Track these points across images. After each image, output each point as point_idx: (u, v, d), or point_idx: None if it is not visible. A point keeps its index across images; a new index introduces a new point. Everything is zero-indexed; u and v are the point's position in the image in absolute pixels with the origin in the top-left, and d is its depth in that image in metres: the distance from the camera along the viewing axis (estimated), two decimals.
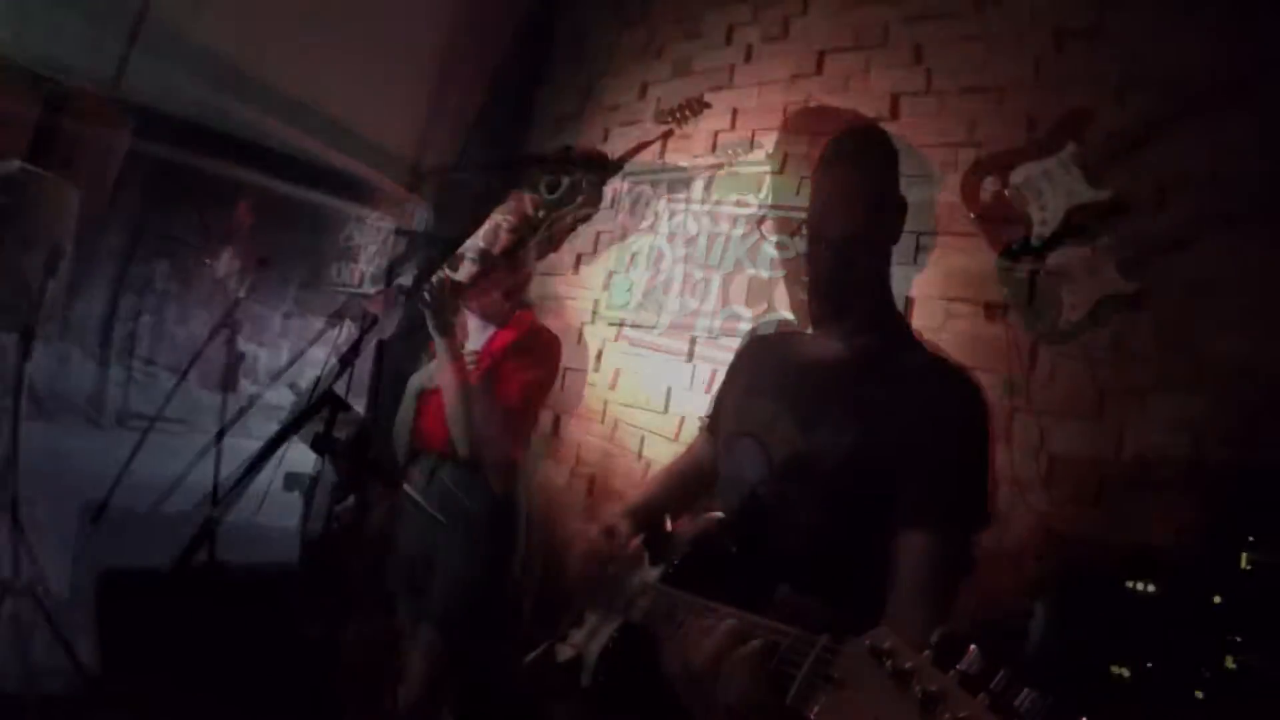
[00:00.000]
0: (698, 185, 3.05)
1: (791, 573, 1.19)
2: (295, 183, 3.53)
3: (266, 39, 3.19)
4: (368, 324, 1.72)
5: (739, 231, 2.86)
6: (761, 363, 1.45)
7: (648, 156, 3.24)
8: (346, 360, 1.19)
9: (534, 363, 2.20)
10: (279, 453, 1.29)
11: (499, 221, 2.26)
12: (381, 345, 2.09)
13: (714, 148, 3.05)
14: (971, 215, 2.24)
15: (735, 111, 3.00)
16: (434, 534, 2.12)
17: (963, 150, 2.30)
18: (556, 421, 3.32)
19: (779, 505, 1.25)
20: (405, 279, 2.04)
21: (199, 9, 2.95)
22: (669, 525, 1.43)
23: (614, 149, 3.32)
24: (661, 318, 3.05)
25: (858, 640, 0.74)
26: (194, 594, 2.23)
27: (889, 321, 1.33)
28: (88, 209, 2.37)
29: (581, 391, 3.24)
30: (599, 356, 3.26)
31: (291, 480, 1.20)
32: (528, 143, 3.87)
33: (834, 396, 1.24)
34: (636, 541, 1.36)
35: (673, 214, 3.11)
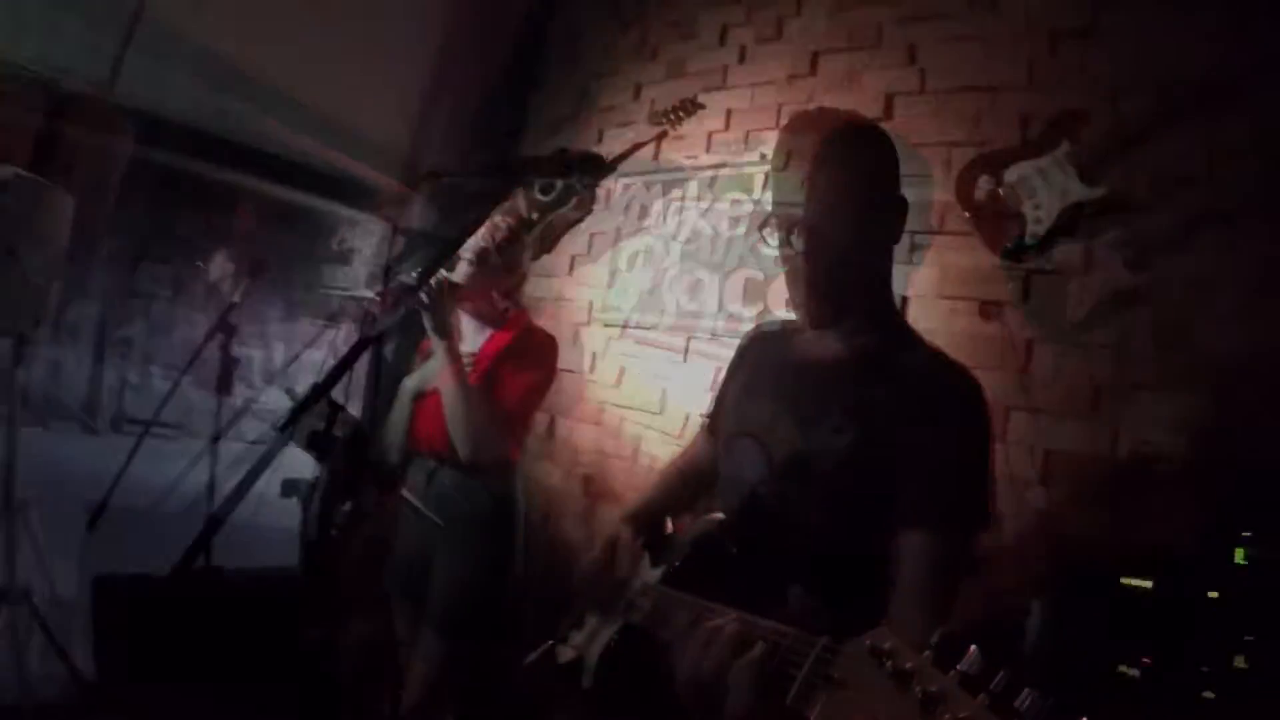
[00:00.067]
0: (693, 186, 3.05)
1: (792, 573, 1.19)
2: (290, 185, 3.52)
3: (261, 41, 3.18)
4: (369, 325, 1.71)
5: (735, 232, 2.86)
6: (762, 361, 1.45)
7: (643, 158, 3.25)
8: (348, 361, 1.18)
9: (532, 365, 2.20)
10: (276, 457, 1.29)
11: (495, 223, 2.26)
12: (379, 347, 2.09)
13: (709, 148, 3.05)
14: (966, 214, 2.25)
15: (729, 112, 3.01)
16: (433, 537, 2.11)
17: (957, 149, 2.30)
18: (552, 423, 3.32)
19: (779, 506, 1.24)
20: (407, 277, 2.03)
21: (196, 10, 2.94)
22: (669, 527, 1.43)
23: (608, 150, 3.29)
24: (657, 318, 3.05)
25: (858, 641, 0.74)
26: (191, 599, 2.22)
27: (889, 321, 1.32)
28: (83, 214, 2.35)
29: (577, 393, 3.24)
30: (595, 358, 3.26)
31: (289, 486, 1.20)
32: (522, 144, 3.87)
33: (834, 396, 1.24)
34: (640, 548, 1.36)
35: (668, 215, 3.11)
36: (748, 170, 2.87)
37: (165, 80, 2.89)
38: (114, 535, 2.51)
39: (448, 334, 2.07)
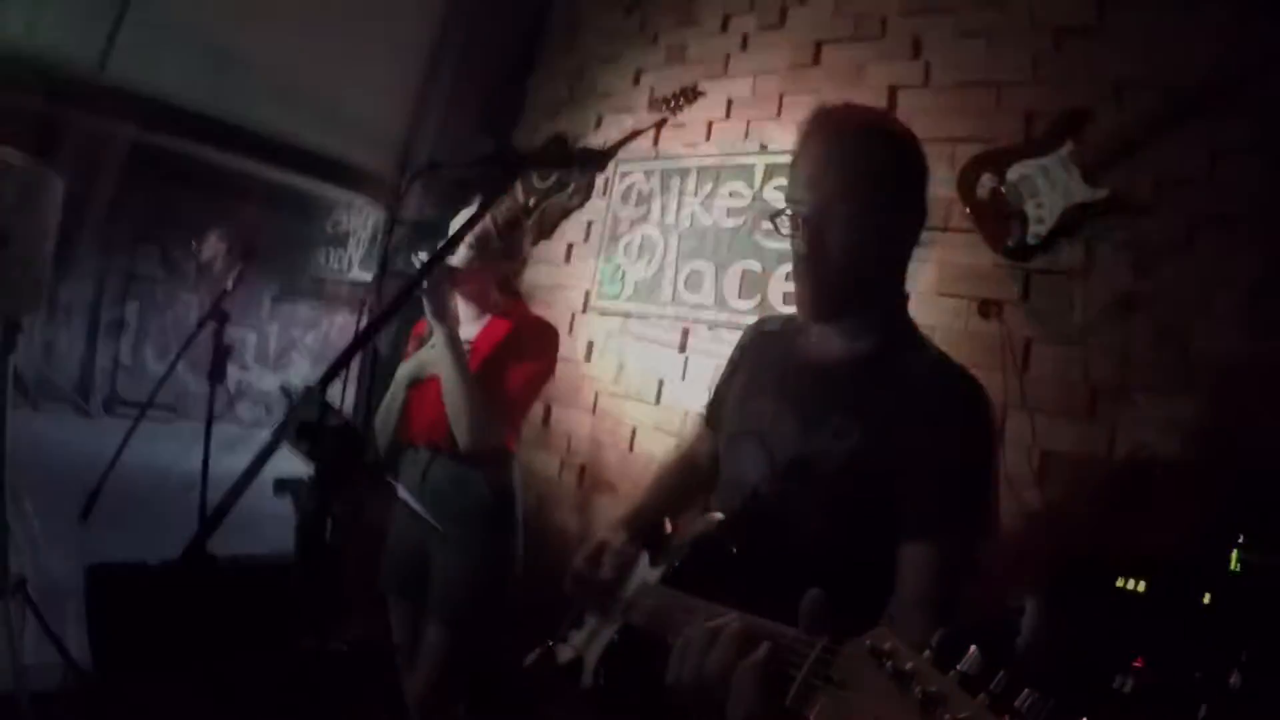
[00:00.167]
0: (692, 175, 3.02)
1: (793, 575, 1.19)
2: (284, 168, 3.48)
3: (255, 20, 3.13)
4: (369, 315, 1.69)
5: (734, 223, 2.84)
6: (764, 359, 1.43)
7: (642, 146, 3.22)
8: (344, 359, 1.17)
9: (533, 354, 2.18)
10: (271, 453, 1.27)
11: (494, 208, 2.23)
12: (374, 335, 2.06)
13: (709, 138, 3.03)
14: (968, 211, 2.24)
15: (730, 101, 2.98)
16: (430, 534, 2.10)
17: (960, 146, 2.28)
18: (548, 412, 3.32)
19: (781, 507, 1.24)
20: (403, 264, 2.00)
21: None
22: (669, 527, 1.43)
23: (606, 136, 3.29)
24: (654, 308, 3.04)
25: (858, 641, 0.74)
26: (186, 587, 2.21)
27: (895, 323, 1.30)
28: (75, 196, 2.32)
29: (572, 382, 3.23)
30: (592, 347, 3.25)
31: (281, 485, 1.18)
32: (519, 128, 3.83)
33: (837, 398, 1.23)
34: (631, 551, 1.35)
35: (666, 204, 3.09)
36: (748, 161, 2.84)
37: (158, 62, 2.84)
38: (107, 520, 2.50)
39: (448, 319, 2.04)
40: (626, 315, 3.14)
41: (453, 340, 2.03)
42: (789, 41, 2.85)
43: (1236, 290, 1.85)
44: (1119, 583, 1.69)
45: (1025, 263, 2.16)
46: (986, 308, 2.19)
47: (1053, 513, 2.00)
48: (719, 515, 1.32)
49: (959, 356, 1.24)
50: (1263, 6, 1.87)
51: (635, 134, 3.22)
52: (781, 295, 2.64)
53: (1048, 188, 2.12)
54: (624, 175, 3.26)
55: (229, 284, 2.45)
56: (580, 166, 1.43)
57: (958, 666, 0.65)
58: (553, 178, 3.38)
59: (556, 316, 3.17)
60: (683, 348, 2.92)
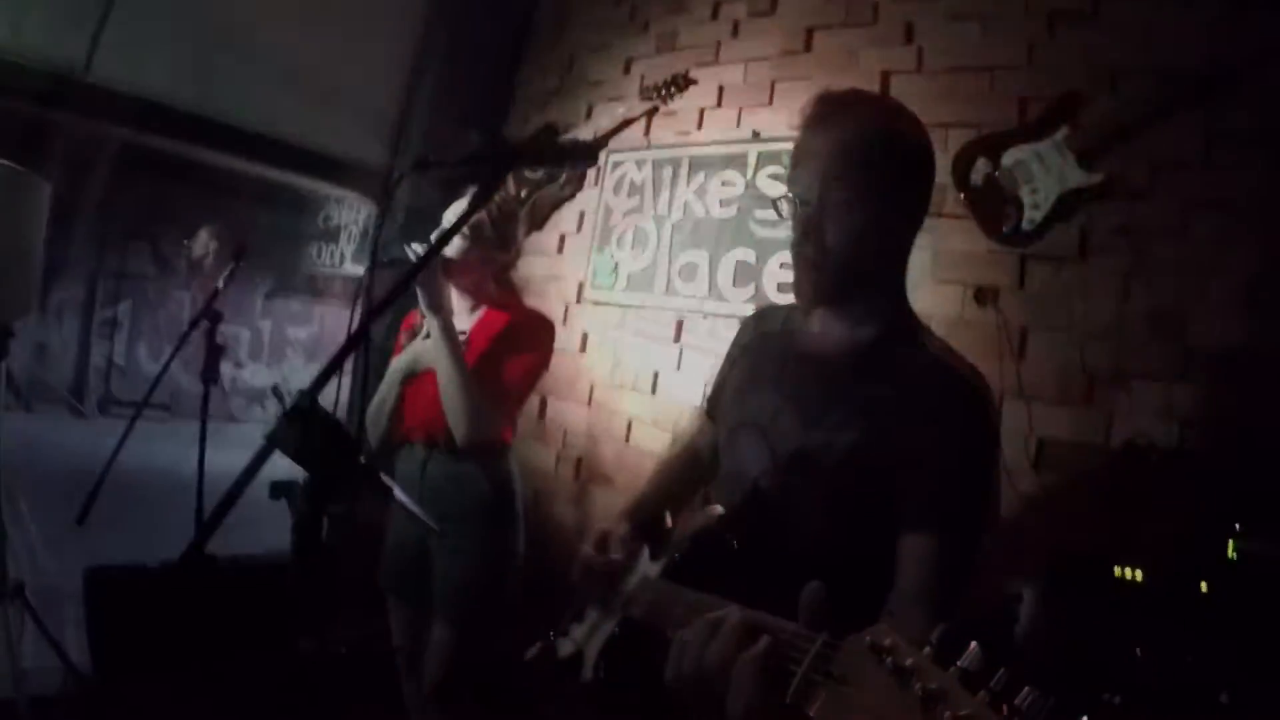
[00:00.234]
0: (684, 164, 3.00)
1: (793, 568, 1.19)
2: (273, 164, 3.46)
3: (241, 16, 3.10)
4: (360, 305, 1.66)
5: (727, 212, 2.83)
6: (764, 350, 1.42)
7: (633, 134, 3.20)
8: (338, 361, 1.16)
9: (529, 347, 2.16)
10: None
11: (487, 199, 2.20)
12: (368, 332, 2.04)
13: (700, 125, 3.01)
14: (962, 197, 2.23)
15: (721, 88, 2.95)
16: (431, 531, 2.09)
17: (954, 131, 2.26)
18: (543, 405, 3.31)
19: (781, 500, 1.23)
20: (400, 253, 1.98)
21: None
22: (669, 520, 1.42)
23: (597, 125, 3.27)
24: (649, 299, 3.02)
25: (858, 637, 0.73)
26: (184, 589, 2.21)
27: (897, 314, 1.28)
28: (65, 197, 2.30)
29: (568, 374, 3.22)
30: (585, 338, 3.24)
31: (278, 489, 1.18)
32: (510, 118, 3.81)
33: (838, 391, 1.22)
34: (635, 545, 1.35)
35: (659, 194, 3.07)
36: (740, 149, 2.82)
37: (144, 61, 2.82)
38: (104, 521, 2.50)
39: (443, 310, 2.02)
40: (621, 306, 3.12)
41: (448, 331, 2.01)
42: (780, 28, 2.82)
43: (1233, 276, 1.84)
44: (1116, 571, 1.69)
45: (1021, 249, 2.15)
46: (982, 295, 2.18)
47: (1050, 501, 2.00)
48: (719, 509, 1.31)
49: (954, 344, 1.24)
50: None
51: (626, 123, 3.22)
52: (776, 285, 2.63)
53: (1043, 173, 2.10)
54: (616, 165, 3.24)
55: (221, 282, 2.43)
56: (572, 160, 1.42)
57: (958, 663, 0.64)
58: (543, 169, 3.36)
59: (550, 308, 3.16)
60: (677, 339, 2.92)
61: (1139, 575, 1.67)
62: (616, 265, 3.17)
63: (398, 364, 2.23)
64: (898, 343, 1.24)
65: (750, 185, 2.77)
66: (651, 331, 3.00)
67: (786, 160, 1.27)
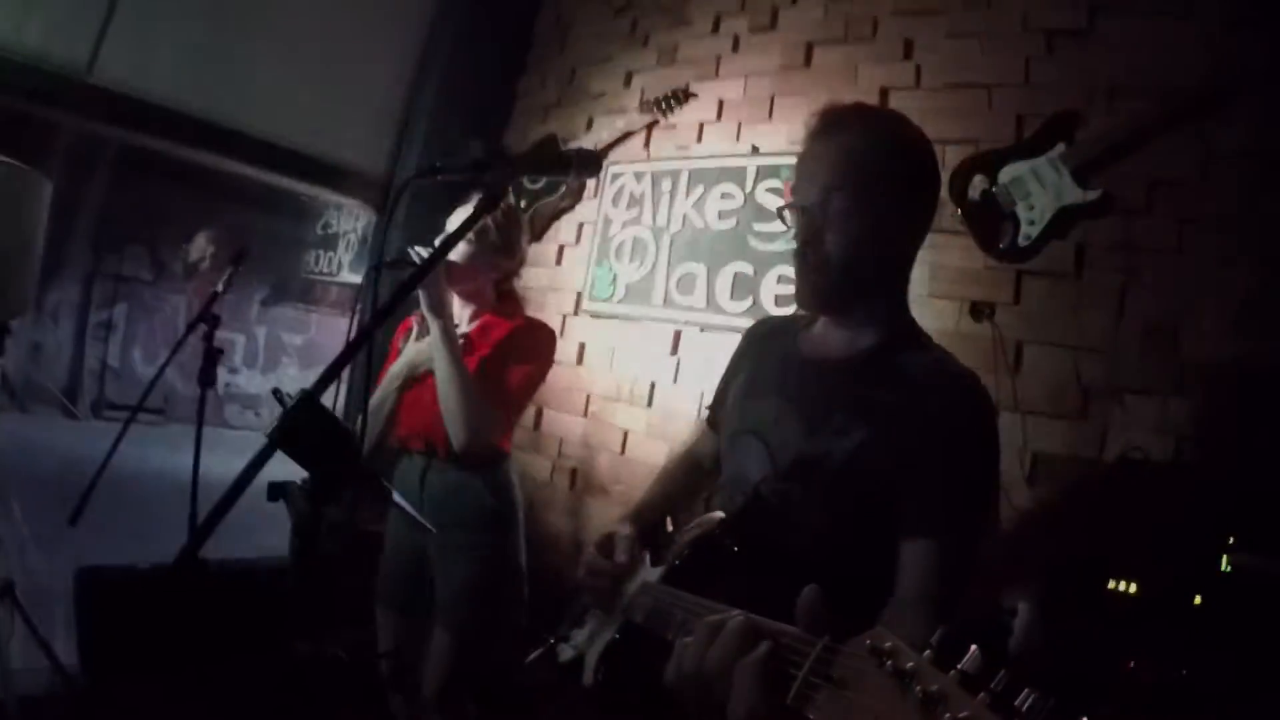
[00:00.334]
0: (684, 177, 3.02)
1: (794, 574, 1.19)
2: (273, 170, 3.46)
3: (243, 21, 3.12)
4: (359, 312, 1.67)
5: (725, 225, 2.84)
6: (766, 357, 1.43)
7: (633, 147, 3.22)
8: (340, 364, 1.16)
9: (530, 356, 2.15)
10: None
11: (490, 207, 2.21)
12: (371, 336, 2.04)
13: (700, 139, 3.03)
14: (959, 212, 2.24)
15: (721, 103, 2.98)
16: (430, 543, 2.08)
17: (951, 147, 2.28)
18: (539, 415, 3.31)
19: (782, 506, 1.24)
20: (402, 254, 1.98)
21: None
22: (670, 525, 1.42)
23: (598, 138, 3.29)
24: (646, 311, 3.03)
25: (858, 640, 0.73)
26: (176, 591, 2.20)
27: (897, 322, 1.30)
28: (64, 198, 2.30)
29: (565, 384, 3.22)
30: (583, 349, 3.24)
31: (276, 490, 1.17)
32: (510, 130, 3.83)
33: (838, 398, 1.23)
34: (639, 548, 1.35)
35: (658, 206, 3.08)
36: (739, 163, 2.84)
37: (146, 64, 2.83)
38: (96, 523, 2.48)
39: (444, 313, 2.01)
40: (619, 318, 3.13)
41: (448, 334, 2.00)
42: (780, 43, 2.85)
43: (1227, 292, 1.86)
44: (1110, 584, 1.70)
45: (1017, 264, 2.17)
46: (978, 309, 2.19)
47: (1044, 514, 2.00)
48: (720, 514, 1.32)
49: None
50: (1253, 12, 1.88)
51: (627, 135, 3.24)
52: (774, 298, 2.64)
53: (1039, 189, 2.13)
54: (615, 177, 3.25)
55: (219, 287, 2.43)
56: (575, 169, 1.43)
57: (958, 666, 0.65)
58: (543, 179, 3.37)
59: (548, 319, 3.16)
60: (675, 350, 2.92)
61: (1133, 588, 1.68)
62: (615, 277, 3.18)
63: (395, 369, 2.22)
64: (898, 349, 1.25)
65: (749, 199, 2.78)
66: (649, 343, 3.00)
67: (785, 174, 1.29)
